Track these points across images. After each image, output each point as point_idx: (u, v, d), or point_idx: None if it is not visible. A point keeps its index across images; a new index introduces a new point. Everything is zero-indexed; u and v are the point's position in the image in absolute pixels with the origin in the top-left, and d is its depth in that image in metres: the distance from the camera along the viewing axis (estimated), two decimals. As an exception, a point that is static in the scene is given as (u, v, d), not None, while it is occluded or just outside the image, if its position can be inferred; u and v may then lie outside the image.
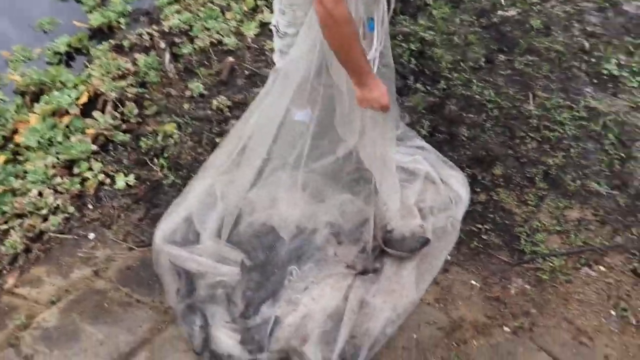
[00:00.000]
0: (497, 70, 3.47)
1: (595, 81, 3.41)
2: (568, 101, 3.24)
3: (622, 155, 2.92)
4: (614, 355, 2.10)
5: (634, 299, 2.29)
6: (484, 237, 2.50)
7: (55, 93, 3.15)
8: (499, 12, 3.96)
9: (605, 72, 3.46)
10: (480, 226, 2.54)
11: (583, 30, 3.82)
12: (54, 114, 3.06)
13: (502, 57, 3.59)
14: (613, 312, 2.24)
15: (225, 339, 2.06)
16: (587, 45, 3.66)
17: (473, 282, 2.32)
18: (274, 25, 2.40)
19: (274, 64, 2.58)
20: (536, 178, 2.77)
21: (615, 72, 3.45)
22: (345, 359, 2.00)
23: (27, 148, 2.91)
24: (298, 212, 2.34)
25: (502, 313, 2.22)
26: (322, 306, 2.10)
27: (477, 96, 3.26)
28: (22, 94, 3.25)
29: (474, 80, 3.38)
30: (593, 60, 3.55)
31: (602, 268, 2.40)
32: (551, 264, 2.38)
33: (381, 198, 2.27)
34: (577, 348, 2.11)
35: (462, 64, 3.51)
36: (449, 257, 2.40)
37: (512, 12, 3.97)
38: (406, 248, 2.26)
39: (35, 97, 3.21)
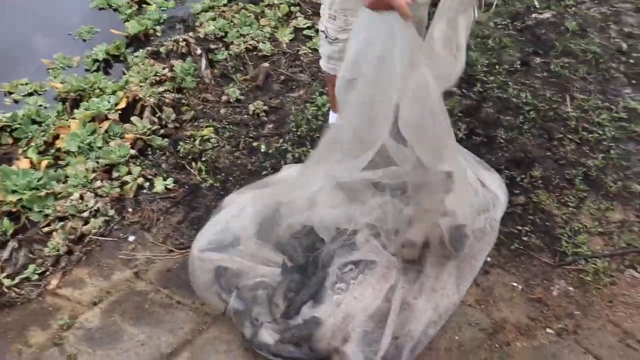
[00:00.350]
0: (533, 73, 3.44)
1: (634, 82, 3.36)
2: (606, 102, 3.19)
3: (665, 156, 2.86)
4: (663, 359, 2.04)
5: (682, 301, 2.23)
6: (525, 238, 2.46)
7: (95, 99, 3.21)
8: (533, 15, 3.94)
9: (644, 72, 3.41)
10: (520, 228, 2.51)
11: (620, 31, 3.77)
12: (93, 119, 3.12)
13: (537, 59, 3.56)
14: (661, 315, 2.19)
15: (268, 338, 2.06)
16: (624, 46, 3.61)
17: (514, 283, 2.29)
18: (323, 31, 2.40)
19: (317, 68, 2.59)
20: (576, 180, 2.73)
21: (655, 73, 3.39)
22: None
23: (68, 153, 2.96)
24: (337, 213, 2.34)
25: (544, 315, 2.18)
26: (363, 306, 2.08)
27: (513, 99, 3.23)
28: (63, 100, 3.33)
29: (510, 83, 3.35)
30: (631, 61, 3.50)
31: (647, 270, 2.35)
32: (594, 266, 2.34)
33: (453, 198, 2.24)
34: (624, 351, 2.06)
35: (497, 66, 3.48)
36: (489, 259, 2.37)
37: (546, 15, 3.94)
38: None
39: (75, 104, 3.27)
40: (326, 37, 2.38)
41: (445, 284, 2.17)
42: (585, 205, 2.62)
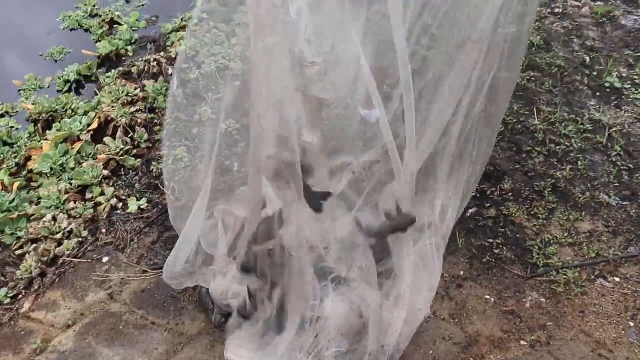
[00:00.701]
0: (501, 87, 3.51)
1: (597, 94, 3.44)
2: (572, 114, 3.27)
3: (630, 165, 2.93)
4: (634, 367, 2.09)
5: (652, 309, 2.29)
6: (496, 251, 2.51)
7: (67, 120, 3.19)
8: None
9: (607, 84, 3.50)
10: (491, 240, 2.55)
11: (582, 44, 3.87)
12: (65, 140, 3.10)
13: (505, 73, 3.62)
14: (631, 324, 2.23)
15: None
16: (587, 59, 3.71)
17: (487, 296, 2.33)
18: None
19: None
20: (545, 191, 2.78)
21: (617, 85, 3.48)
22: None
23: (40, 174, 2.94)
24: (309, 230, 2.34)
25: (518, 327, 2.22)
26: (335, 324, 2.09)
27: (482, 112, 3.29)
28: (35, 121, 3.29)
29: (478, 97, 3.41)
30: (594, 73, 3.59)
31: (616, 279, 2.40)
32: (565, 276, 2.38)
33: None
34: (596, 360, 2.11)
35: (466, 81, 3.54)
36: (461, 272, 2.41)
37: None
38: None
39: (47, 125, 3.25)
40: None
41: (416, 298, 2.18)
42: (555, 217, 2.67)
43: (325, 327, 2.07)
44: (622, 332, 2.20)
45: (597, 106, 3.31)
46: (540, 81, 3.51)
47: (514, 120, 3.22)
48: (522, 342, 2.16)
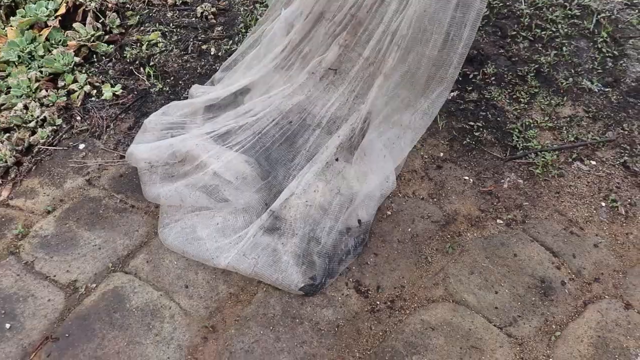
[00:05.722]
0: (488, -30, 3.37)
1: (588, -22, 3.32)
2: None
3: (615, 52, 2.89)
4: (603, 243, 2.14)
5: (624, 190, 2.32)
6: (477, 134, 2.50)
7: (31, 5, 3.03)
8: None
9: (599, -32, 3.36)
10: (472, 123, 2.53)
11: None
12: (32, 27, 2.95)
13: (492, -45, 3.47)
14: (603, 204, 2.28)
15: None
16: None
17: (466, 177, 2.34)
18: None
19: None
20: (528, 76, 2.74)
21: (610, -31, 3.35)
22: (341, 253, 2.04)
23: (8, 63, 2.82)
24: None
25: (495, 206, 2.25)
26: (313, 198, 2.10)
27: (468, -3, 3.17)
28: (-4, 7, 3.13)
29: (465, -19, 3.27)
30: (587, -44, 3.45)
31: (593, 162, 2.42)
32: (543, 159, 2.40)
33: None
34: (568, 238, 2.15)
35: (452, -35, 3.39)
36: (441, 154, 2.41)
37: None
38: None
39: (10, 11, 3.08)
40: None
41: (384, 169, 2.19)
42: (537, 101, 2.65)
43: (306, 202, 2.08)
44: (594, 211, 2.25)
45: (586, -10, 3.21)
46: (529, -36, 3.37)
47: (500, 4, 3.12)
48: (498, 220, 2.20)
